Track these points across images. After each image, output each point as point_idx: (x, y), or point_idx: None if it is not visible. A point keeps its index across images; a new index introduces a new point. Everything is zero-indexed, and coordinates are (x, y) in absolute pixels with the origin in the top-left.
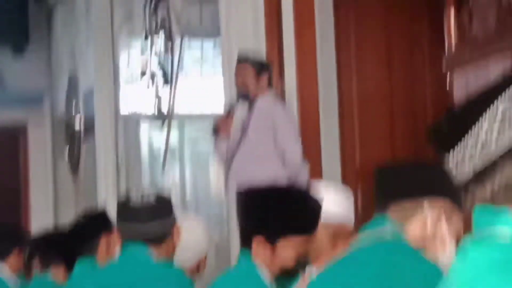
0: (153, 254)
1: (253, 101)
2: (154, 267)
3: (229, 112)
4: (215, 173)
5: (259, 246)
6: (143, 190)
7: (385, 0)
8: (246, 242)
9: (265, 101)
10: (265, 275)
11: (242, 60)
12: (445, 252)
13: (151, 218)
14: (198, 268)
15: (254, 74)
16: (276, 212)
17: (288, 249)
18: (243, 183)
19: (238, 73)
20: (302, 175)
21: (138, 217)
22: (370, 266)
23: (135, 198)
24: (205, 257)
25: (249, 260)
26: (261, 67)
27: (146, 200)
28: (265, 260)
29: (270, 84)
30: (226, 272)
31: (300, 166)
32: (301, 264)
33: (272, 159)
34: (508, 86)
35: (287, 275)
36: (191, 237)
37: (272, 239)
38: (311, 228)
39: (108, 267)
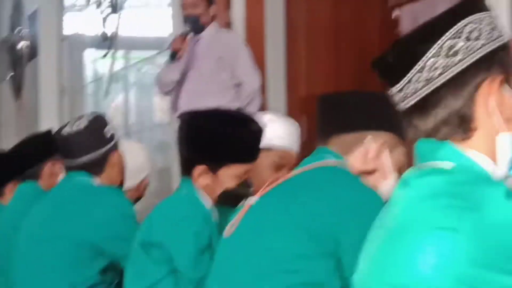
0: (95, 180)
1: (201, 30)
2: (95, 191)
3: (185, 36)
4: (159, 99)
5: (200, 175)
6: (78, 117)
7: None
8: (187, 170)
9: (211, 31)
10: (206, 201)
11: None
12: (386, 184)
13: (83, 153)
14: (139, 190)
15: (204, 6)
16: (218, 139)
17: (230, 177)
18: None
19: (187, 2)
20: (253, 106)
21: (71, 153)
22: (310, 187)
23: (69, 127)
24: (146, 180)
25: (190, 186)
26: None
27: (77, 129)
28: (206, 187)
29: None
30: (168, 198)
31: (256, 96)
32: (243, 189)
33: (222, 89)
34: (454, 21)
35: (228, 204)
36: (131, 160)
37: (213, 168)
38: (253, 156)
39: (50, 191)
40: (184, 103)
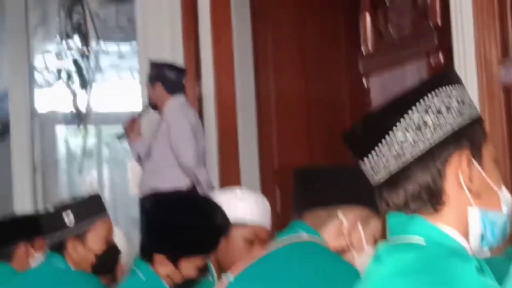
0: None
1: (156, 108)
2: (71, 276)
3: (135, 116)
4: (132, 174)
5: (161, 264)
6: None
7: (301, 6)
8: (145, 255)
9: (167, 109)
10: (166, 284)
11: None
12: (361, 258)
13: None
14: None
15: (150, 86)
16: (181, 232)
17: (190, 268)
18: (149, 191)
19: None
20: (201, 178)
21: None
22: (287, 264)
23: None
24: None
25: (149, 270)
26: (152, 78)
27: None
28: (166, 276)
29: (171, 88)
30: (126, 284)
31: (195, 169)
32: (202, 273)
33: (173, 166)
34: (423, 95)
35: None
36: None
37: (174, 258)
38: (214, 248)
39: (23, 274)
40: (142, 181)
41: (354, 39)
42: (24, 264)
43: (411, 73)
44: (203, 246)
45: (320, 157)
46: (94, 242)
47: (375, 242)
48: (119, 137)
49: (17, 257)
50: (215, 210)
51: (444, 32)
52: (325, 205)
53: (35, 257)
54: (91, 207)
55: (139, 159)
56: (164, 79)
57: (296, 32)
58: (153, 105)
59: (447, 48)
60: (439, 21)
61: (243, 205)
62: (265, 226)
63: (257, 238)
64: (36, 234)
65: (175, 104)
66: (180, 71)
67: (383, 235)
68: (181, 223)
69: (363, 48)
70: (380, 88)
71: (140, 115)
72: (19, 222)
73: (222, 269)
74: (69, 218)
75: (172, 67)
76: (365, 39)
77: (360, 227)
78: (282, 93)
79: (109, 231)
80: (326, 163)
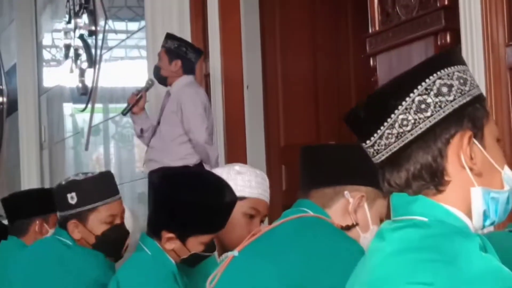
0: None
1: (164, 82)
2: (75, 250)
3: (139, 92)
4: (139, 151)
5: (168, 241)
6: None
7: None
8: (153, 230)
9: (177, 86)
10: (172, 260)
11: (162, 45)
12: (365, 237)
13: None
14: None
15: (166, 59)
16: (190, 211)
17: (197, 245)
18: (157, 167)
19: (158, 57)
20: (211, 155)
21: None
22: (291, 239)
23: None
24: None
25: (156, 246)
26: (172, 53)
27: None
28: (172, 251)
29: (188, 69)
30: (133, 259)
31: (206, 146)
32: (210, 249)
33: (182, 143)
34: (424, 77)
35: (193, 262)
36: None
37: (182, 237)
38: (223, 226)
39: (30, 248)
40: (149, 158)
41: (362, 20)
42: (36, 240)
43: (418, 54)
44: (212, 225)
45: (326, 135)
46: (95, 224)
47: (381, 221)
48: (124, 112)
49: (30, 232)
50: (224, 187)
51: (452, 13)
52: (331, 183)
53: (49, 233)
54: (97, 189)
55: (141, 134)
56: (185, 58)
57: (303, 11)
58: (162, 78)
59: (454, 29)
60: (446, 1)
61: (242, 178)
62: (264, 199)
63: (257, 212)
64: (52, 210)
65: (186, 82)
66: (199, 53)
67: (389, 215)
68: (190, 201)
69: (370, 28)
70: (386, 68)
71: (146, 89)
72: (35, 197)
73: (222, 245)
74: (73, 199)
75: (193, 47)
76: (372, 19)
77: (366, 206)
78: (289, 71)
79: (114, 215)
80: (333, 141)
